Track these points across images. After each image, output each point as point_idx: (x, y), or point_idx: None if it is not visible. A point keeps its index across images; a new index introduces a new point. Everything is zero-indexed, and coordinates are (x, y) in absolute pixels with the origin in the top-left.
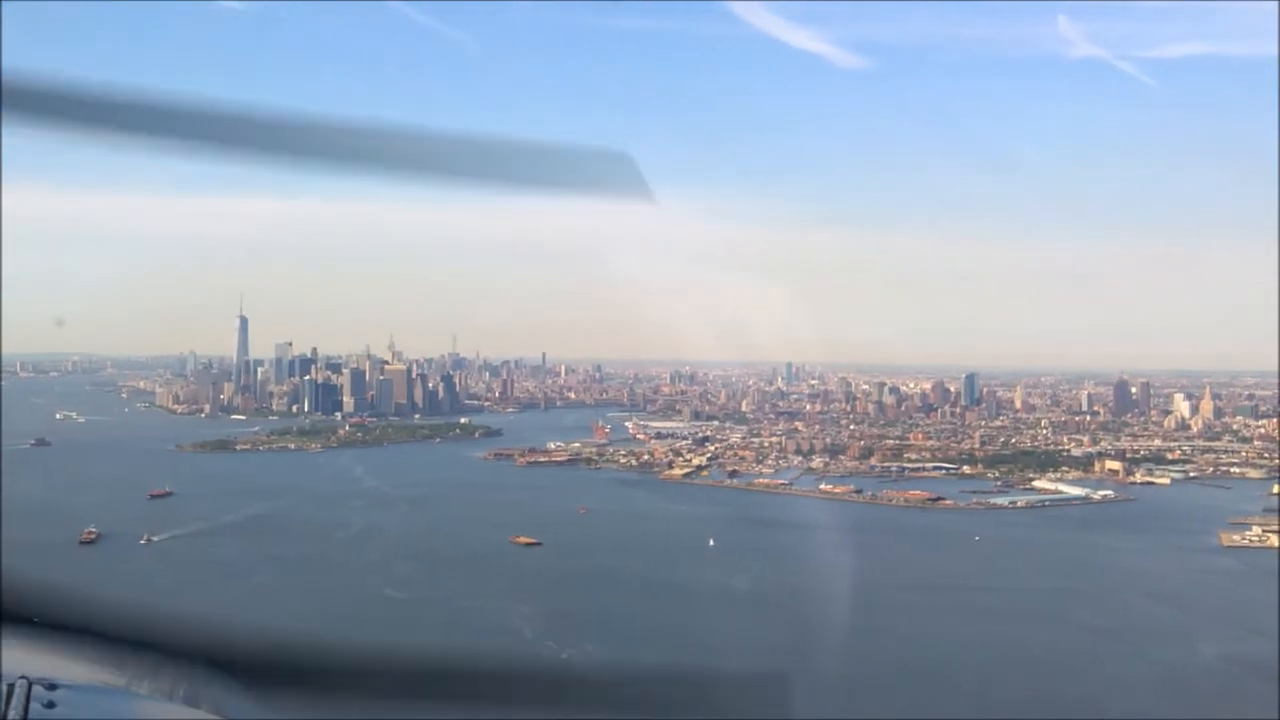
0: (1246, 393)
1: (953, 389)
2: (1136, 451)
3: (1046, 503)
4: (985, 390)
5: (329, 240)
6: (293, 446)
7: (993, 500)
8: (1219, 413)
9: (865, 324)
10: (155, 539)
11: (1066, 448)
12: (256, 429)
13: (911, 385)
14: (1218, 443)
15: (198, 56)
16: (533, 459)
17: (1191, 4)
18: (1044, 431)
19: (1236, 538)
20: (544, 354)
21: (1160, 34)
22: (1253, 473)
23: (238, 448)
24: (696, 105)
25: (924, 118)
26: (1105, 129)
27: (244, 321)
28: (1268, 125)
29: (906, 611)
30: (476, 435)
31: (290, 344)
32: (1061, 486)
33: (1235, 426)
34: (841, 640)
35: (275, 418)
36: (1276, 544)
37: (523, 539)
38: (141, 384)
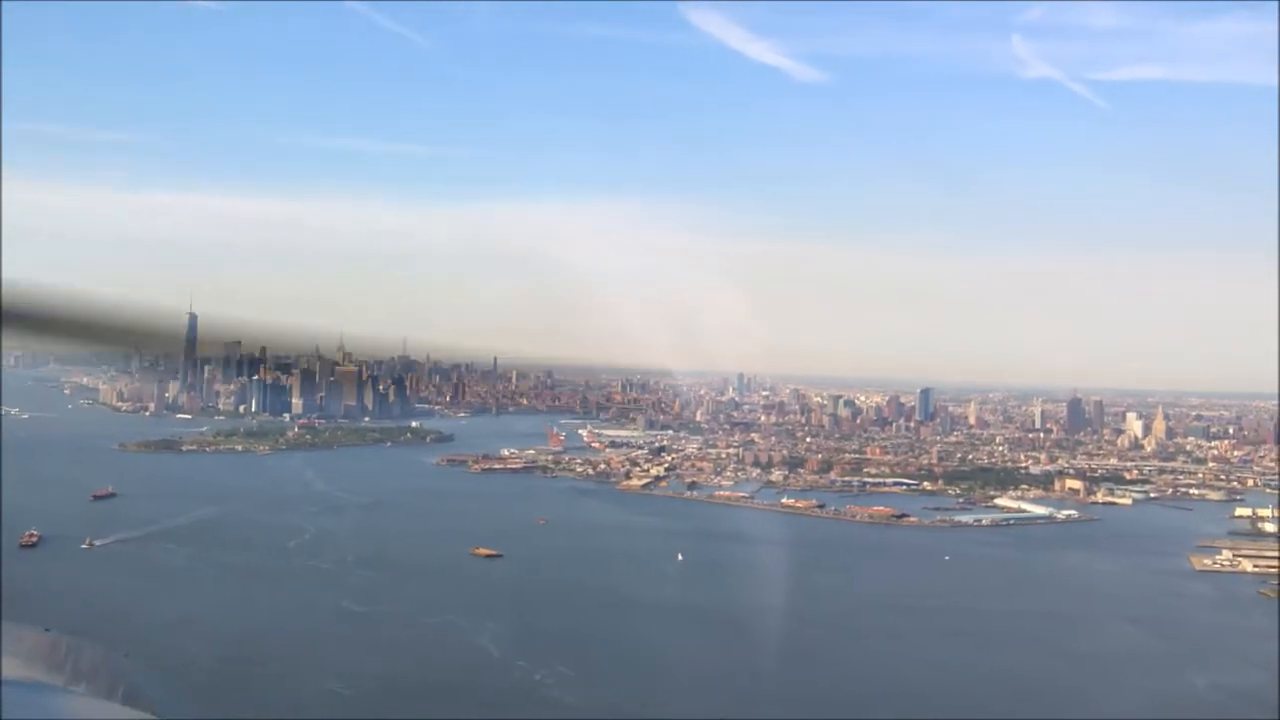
0: (1194, 413)
1: (907, 403)
2: (1094, 470)
3: (1011, 521)
4: (938, 405)
5: (282, 241)
6: (240, 448)
7: (957, 518)
8: (1170, 433)
9: (817, 337)
10: (98, 543)
11: (1024, 465)
12: (204, 429)
13: (864, 399)
14: (1173, 463)
15: (167, 56)
16: (487, 466)
17: (1145, 28)
18: (1000, 448)
19: (1207, 561)
20: (495, 358)
21: (1113, 57)
22: (1212, 494)
23: (183, 448)
24: (653, 114)
25: (880, 132)
26: (1057, 148)
27: (193, 319)
28: (1219, 148)
29: (886, 635)
30: (428, 440)
31: (239, 343)
32: (1024, 505)
33: (1188, 447)
34: (824, 666)
35: (222, 417)
36: (1249, 569)
37: (483, 550)
38: (85, 380)
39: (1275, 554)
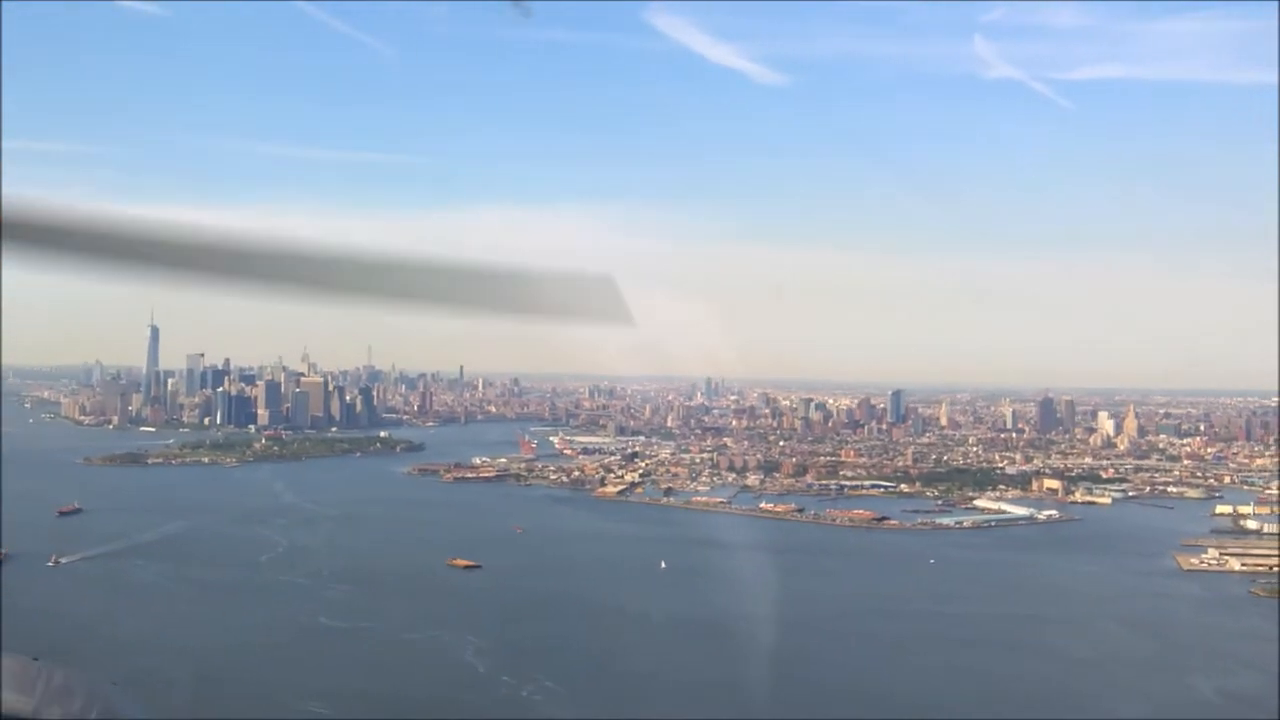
0: (1162, 411)
1: (878, 405)
2: (1070, 470)
3: (993, 523)
4: (909, 407)
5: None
6: (207, 460)
7: (938, 520)
8: (1142, 431)
9: (783, 340)
10: (65, 560)
11: (1000, 466)
12: (170, 442)
13: (833, 402)
14: (1147, 461)
15: (109, 59)
16: (459, 475)
17: (1106, 28)
18: (974, 449)
19: (1194, 561)
20: (461, 367)
21: (1075, 57)
22: (1190, 492)
23: (149, 461)
24: (616, 119)
25: (843, 135)
26: (1021, 149)
27: (154, 331)
28: (1181, 147)
29: (875, 641)
30: (398, 449)
31: (202, 355)
32: (1004, 506)
33: (1161, 445)
34: (814, 674)
35: (187, 430)
36: (1237, 568)
37: (460, 561)
38: (46, 394)
39: (1262, 553)
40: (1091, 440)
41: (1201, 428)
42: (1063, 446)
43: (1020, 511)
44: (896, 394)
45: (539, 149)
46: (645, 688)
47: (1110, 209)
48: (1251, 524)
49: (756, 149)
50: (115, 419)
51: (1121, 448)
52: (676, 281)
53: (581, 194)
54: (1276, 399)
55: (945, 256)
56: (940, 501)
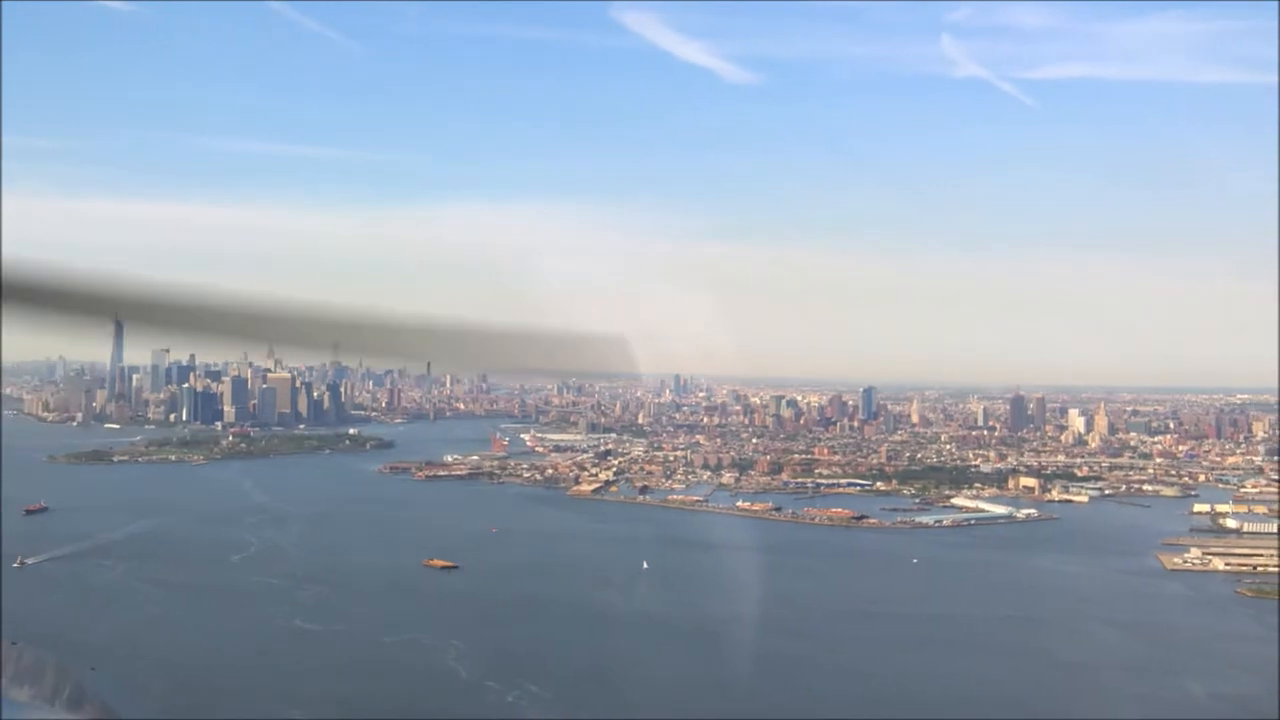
0: (1130, 408)
1: (849, 402)
2: (1044, 468)
3: (972, 521)
4: (879, 404)
5: (208, 246)
6: (174, 458)
7: (917, 519)
8: (1112, 428)
9: (752, 337)
10: (30, 561)
11: (975, 464)
12: (136, 439)
13: (801, 399)
14: (1120, 459)
15: (78, 56)
16: (431, 473)
17: (1070, 27)
18: (947, 446)
19: (1177, 560)
20: (429, 363)
21: (1040, 56)
22: (1166, 491)
23: (115, 458)
24: (586, 117)
25: (811, 133)
26: (988, 147)
27: (119, 326)
28: (1143, 145)
29: (863, 644)
30: (368, 447)
31: (167, 350)
32: (982, 504)
33: (1132, 442)
34: (803, 679)
35: (152, 427)
36: (1220, 567)
37: (438, 562)
38: (8, 390)
39: (1245, 552)
40: (1063, 438)
41: (1171, 425)
42: (1035, 444)
43: (999, 510)
44: (868, 391)
45: (508, 146)
46: (635, 693)
47: (1075, 207)
48: (1231, 523)
49: (725, 147)
50: (80, 416)
51: (1093, 445)
52: (644, 278)
53: (549, 191)
54: (1243, 397)
55: (912, 255)
56: (918, 500)
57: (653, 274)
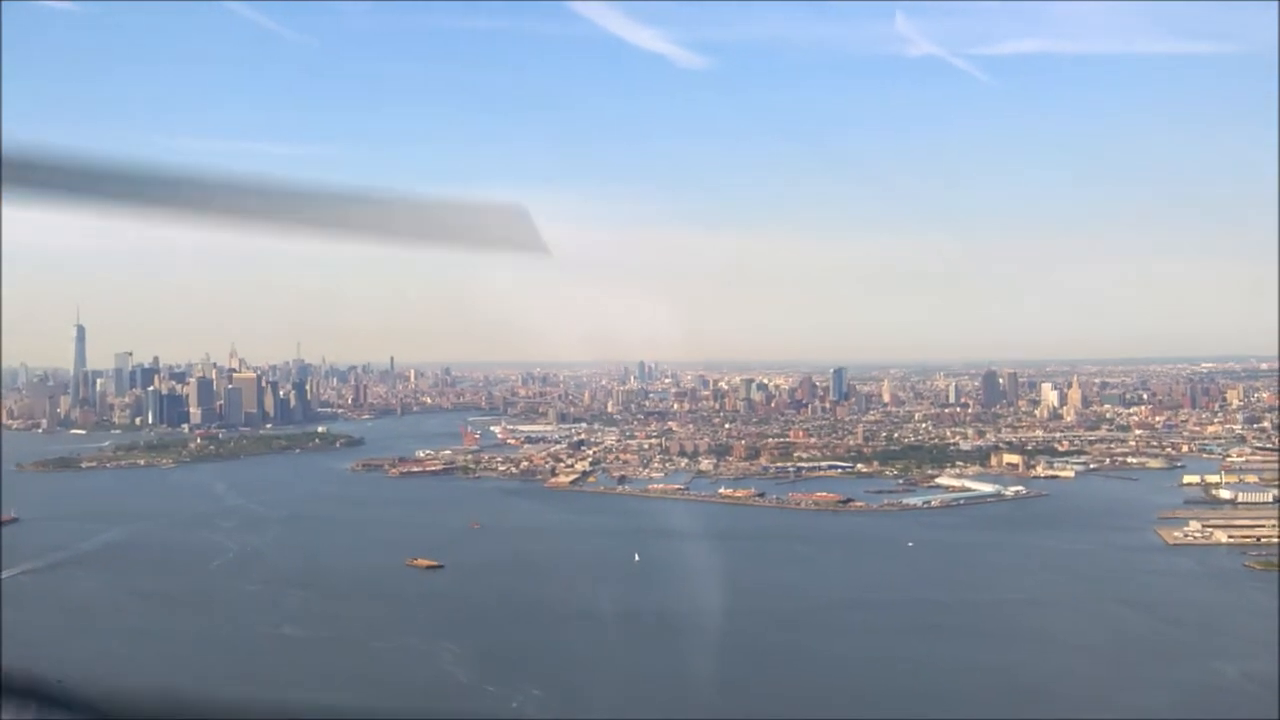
0: (1098, 381)
1: (820, 384)
2: (1024, 443)
3: (961, 501)
4: (849, 385)
5: (162, 247)
6: (142, 462)
7: (905, 500)
8: (1086, 401)
9: (714, 322)
10: (3, 574)
11: (953, 441)
12: (108, 444)
13: (770, 382)
14: (1098, 432)
15: (27, 56)
16: (405, 469)
17: (1025, 3)
18: (923, 425)
19: (1178, 534)
20: (391, 358)
21: (995, 32)
22: (1151, 463)
23: (83, 465)
24: (538, 105)
25: (768, 118)
26: (945, 126)
27: (80, 331)
28: (1100, 121)
29: (871, 633)
30: (338, 445)
31: (130, 354)
32: (968, 483)
33: (1108, 415)
34: (814, 673)
35: (118, 431)
36: (1224, 539)
37: (421, 561)
38: None
39: (1247, 523)
40: (1038, 412)
41: (1144, 396)
42: (1010, 420)
43: (987, 488)
44: (839, 371)
45: (463, 136)
46: (644, 693)
47: (1032, 183)
48: (1225, 494)
49: (681, 133)
50: (44, 422)
51: (1069, 419)
52: (604, 266)
53: (506, 181)
54: (1207, 365)
55: (871, 236)
56: (901, 480)
57: (611, 260)
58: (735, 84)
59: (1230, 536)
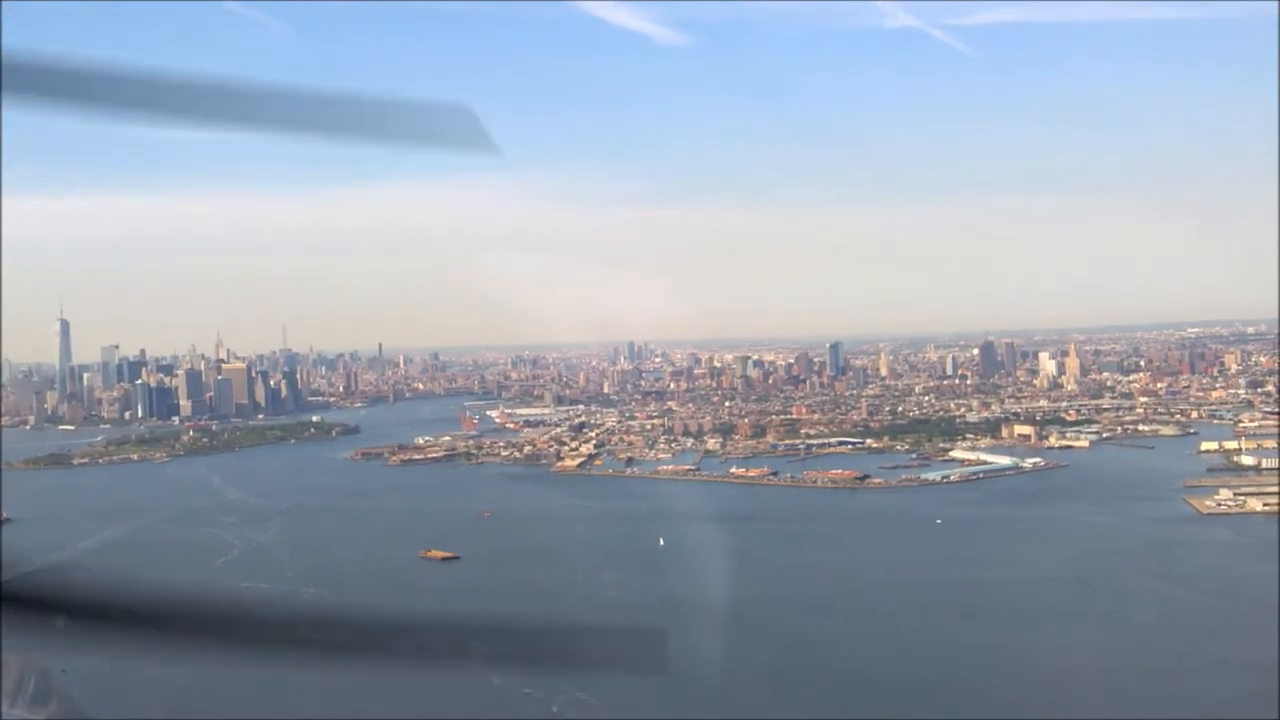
0: (1090, 349)
1: (817, 359)
2: (1031, 414)
3: (980, 474)
4: (845, 359)
5: (142, 238)
6: (135, 457)
7: (923, 476)
8: (1084, 369)
9: (700, 299)
10: (2, 578)
11: (958, 414)
12: (98, 439)
13: (766, 358)
14: (1102, 400)
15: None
16: (406, 457)
17: None
18: (925, 398)
19: (1210, 504)
20: (380, 344)
21: (972, 2)
22: (1164, 430)
23: (75, 461)
24: (518, 84)
25: (748, 93)
26: (926, 97)
27: (65, 325)
28: (1078, 87)
29: (924, 619)
30: (333, 434)
31: (117, 347)
32: (983, 456)
33: (1109, 383)
34: (868, 662)
35: (108, 426)
36: (1258, 508)
37: (436, 553)
38: None
39: (1277, 490)
40: (1037, 382)
41: (1140, 363)
42: (1010, 390)
43: (1004, 461)
44: (835, 346)
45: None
46: (687, 686)
47: (1013, 153)
48: (1247, 460)
49: (663, 111)
50: (31, 419)
51: (1070, 388)
52: (589, 246)
53: (487, 162)
54: (1193, 330)
55: (855, 209)
56: (914, 455)
57: (596, 240)
58: (717, 60)
59: (1265, 505)
